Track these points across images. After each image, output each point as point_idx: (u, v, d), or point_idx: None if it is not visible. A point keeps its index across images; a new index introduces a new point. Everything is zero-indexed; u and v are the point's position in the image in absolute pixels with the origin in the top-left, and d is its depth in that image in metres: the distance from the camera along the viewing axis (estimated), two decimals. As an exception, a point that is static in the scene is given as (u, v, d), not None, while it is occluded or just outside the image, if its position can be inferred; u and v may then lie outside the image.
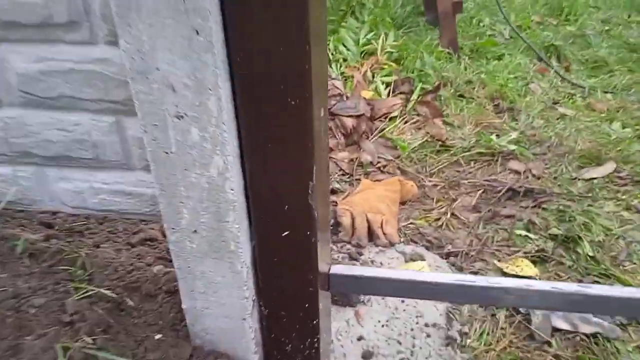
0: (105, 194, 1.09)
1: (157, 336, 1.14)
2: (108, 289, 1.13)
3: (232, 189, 0.93)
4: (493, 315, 1.50)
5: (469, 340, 1.41)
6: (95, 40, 0.90)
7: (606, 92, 3.30)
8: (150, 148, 0.90)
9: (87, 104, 0.97)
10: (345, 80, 2.80)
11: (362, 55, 3.06)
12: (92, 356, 1.02)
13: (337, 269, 1.19)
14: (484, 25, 4.65)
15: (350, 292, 1.21)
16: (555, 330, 1.43)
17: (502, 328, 1.45)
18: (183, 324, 1.18)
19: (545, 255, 1.75)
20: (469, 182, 2.24)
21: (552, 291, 1.13)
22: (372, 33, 3.18)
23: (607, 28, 4.90)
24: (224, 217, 0.97)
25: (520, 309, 1.50)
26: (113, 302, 1.11)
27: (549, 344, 1.40)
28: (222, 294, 1.09)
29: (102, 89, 0.95)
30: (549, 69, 3.60)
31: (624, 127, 2.77)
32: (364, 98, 2.63)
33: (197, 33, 0.77)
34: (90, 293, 1.07)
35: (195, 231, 1.00)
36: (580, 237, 1.80)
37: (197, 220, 0.99)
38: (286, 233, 1.02)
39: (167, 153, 0.91)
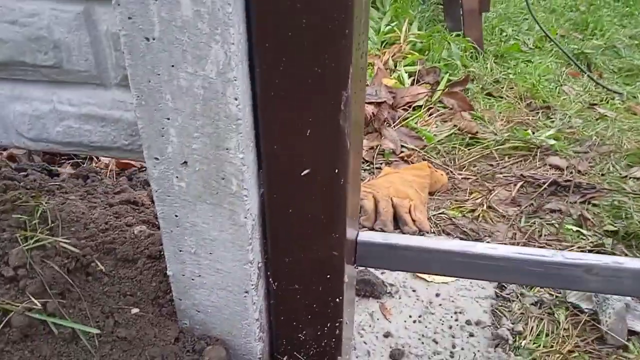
0: (72, 120, 0.84)
1: (134, 310, 0.88)
2: (72, 246, 0.87)
3: (236, 99, 0.68)
4: (550, 313, 1.22)
5: (524, 342, 1.14)
6: None
7: (646, 98, 3.05)
8: (125, 32, 0.66)
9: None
10: (366, 79, 2.56)
11: (383, 44, 2.83)
12: (40, 322, 0.76)
13: (366, 236, 0.93)
14: (506, 35, 4.45)
15: (383, 266, 0.96)
16: (632, 333, 1.16)
17: (564, 329, 1.17)
18: (168, 298, 0.92)
19: (604, 251, 1.48)
20: (504, 176, 1.98)
21: (649, 271, 0.87)
22: (394, 23, 2.95)
23: (636, 42, 4.69)
24: (225, 142, 0.72)
25: (584, 308, 1.23)
26: (77, 262, 0.86)
27: (626, 348, 1.13)
28: (218, 255, 0.83)
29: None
30: (581, 74, 3.36)
31: (672, 131, 2.51)
32: (386, 86, 2.39)
33: None
34: (44, 243, 0.81)
35: (185, 162, 0.75)
36: (644, 234, 1.54)
37: (188, 147, 0.73)
38: (306, 171, 0.76)
39: (147, 40, 0.66)
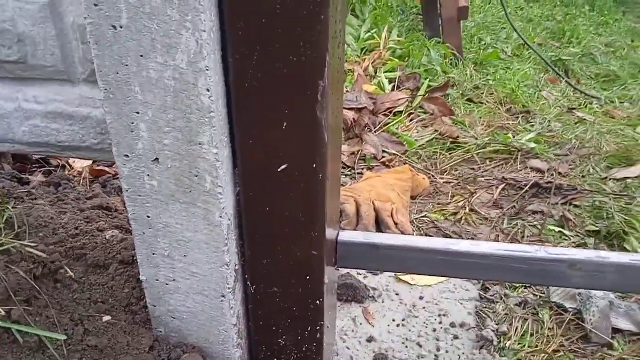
0: (38, 118, 0.80)
1: (105, 318, 0.84)
2: (39, 252, 0.83)
3: (208, 90, 0.65)
4: (535, 314, 1.21)
5: (509, 342, 1.12)
6: None
7: (623, 103, 3.08)
8: (92, 20, 0.63)
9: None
10: (345, 74, 2.55)
11: (363, 51, 2.82)
12: (4, 330, 0.71)
13: (347, 236, 0.91)
14: (485, 44, 4.49)
15: (365, 267, 0.93)
16: (616, 330, 1.15)
17: (549, 328, 1.15)
18: (142, 305, 0.88)
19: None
20: (486, 179, 1.97)
21: (634, 265, 0.85)
22: (374, 31, 2.96)
23: (612, 50, 4.76)
24: (197, 137, 0.69)
25: (568, 307, 1.21)
26: (45, 268, 0.82)
27: (610, 346, 1.11)
28: (193, 257, 0.80)
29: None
30: (559, 80, 3.39)
31: (649, 132, 2.54)
32: (366, 92, 2.38)
33: None
34: (8, 247, 0.77)
35: (156, 159, 0.72)
36: (626, 233, 1.53)
37: (160, 142, 0.70)
38: (284, 167, 0.73)
39: (115, 28, 0.63)
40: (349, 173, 1.99)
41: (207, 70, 0.64)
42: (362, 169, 2.02)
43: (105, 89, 0.67)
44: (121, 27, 0.63)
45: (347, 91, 2.44)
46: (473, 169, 2.08)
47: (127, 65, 0.65)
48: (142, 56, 0.64)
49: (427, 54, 2.87)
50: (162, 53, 0.64)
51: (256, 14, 0.61)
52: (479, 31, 4.75)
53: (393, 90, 2.54)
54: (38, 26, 0.73)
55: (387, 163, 2.06)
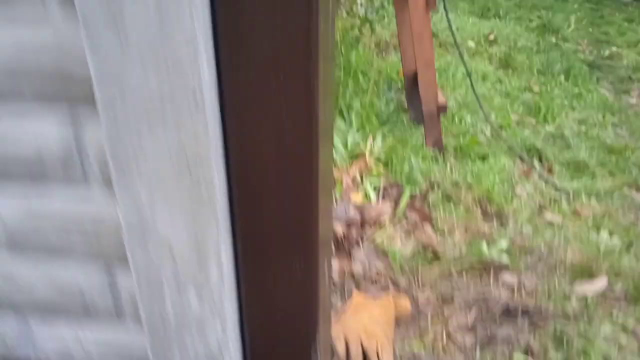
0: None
1: None
2: None
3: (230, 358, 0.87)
4: None
5: None
6: (87, 180, 0.83)
7: (590, 195, 3.33)
8: (146, 315, 0.84)
9: (77, 255, 0.91)
10: (334, 183, 2.78)
11: (351, 156, 3.07)
12: None
13: None
14: (465, 124, 4.72)
15: None
16: None
17: None
18: None
19: (545, 389, 1.68)
20: (462, 298, 2.19)
21: None
22: (360, 133, 3.21)
23: (584, 129, 5.00)
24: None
25: None
26: None
27: None
28: None
29: (94, 237, 0.89)
30: (532, 169, 3.64)
31: (611, 235, 2.78)
32: (354, 204, 2.61)
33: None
34: None
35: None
36: (581, 364, 1.75)
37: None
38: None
39: (162, 320, 0.84)
40: (338, 291, 2.19)
41: (230, 346, 0.85)
42: (351, 286, 2.23)
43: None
44: (168, 322, 0.84)
45: (336, 200, 2.67)
46: (450, 284, 2.30)
47: (174, 346, 0.86)
48: (184, 341, 0.85)
49: (409, 160, 3.11)
50: (197, 332, 0.85)
51: (263, 318, 0.83)
52: (459, 110, 4.98)
53: (378, 198, 2.77)
54: (100, 293, 0.95)
55: (373, 278, 2.27)
